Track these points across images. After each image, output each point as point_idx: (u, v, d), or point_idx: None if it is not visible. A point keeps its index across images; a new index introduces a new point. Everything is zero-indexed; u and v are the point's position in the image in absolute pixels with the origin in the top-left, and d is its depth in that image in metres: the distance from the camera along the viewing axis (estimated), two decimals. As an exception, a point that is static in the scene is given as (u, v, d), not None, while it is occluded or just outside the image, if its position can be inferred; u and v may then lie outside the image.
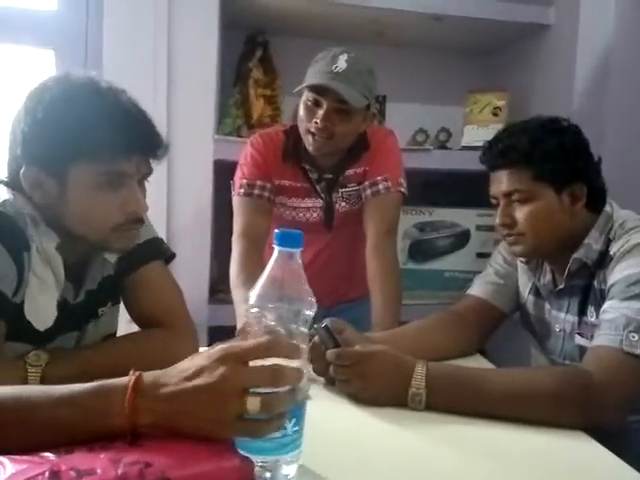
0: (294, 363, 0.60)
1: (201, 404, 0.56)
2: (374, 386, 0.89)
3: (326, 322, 0.95)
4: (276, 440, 0.62)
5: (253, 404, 0.56)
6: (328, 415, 0.68)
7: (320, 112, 1.27)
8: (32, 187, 0.83)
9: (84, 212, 0.84)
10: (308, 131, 1.31)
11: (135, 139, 0.83)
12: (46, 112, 0.80)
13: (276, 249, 0.64)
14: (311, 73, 1.29)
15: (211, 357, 0.58)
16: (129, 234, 0.89)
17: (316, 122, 1.28)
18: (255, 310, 0.64)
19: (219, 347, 0.60)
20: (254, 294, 0.64)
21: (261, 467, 0.62)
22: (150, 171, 0.90)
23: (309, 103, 1.29)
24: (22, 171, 0.82)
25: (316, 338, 0.94)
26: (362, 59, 1.29)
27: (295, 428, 0.64)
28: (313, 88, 1.27)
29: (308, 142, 1.33)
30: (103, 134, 0.80)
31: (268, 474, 0.63)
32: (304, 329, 0.65)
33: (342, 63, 1.25)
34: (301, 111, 1.32)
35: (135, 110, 0.85)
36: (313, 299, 0.65)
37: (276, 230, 0.65)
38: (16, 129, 0.82)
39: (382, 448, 0.77)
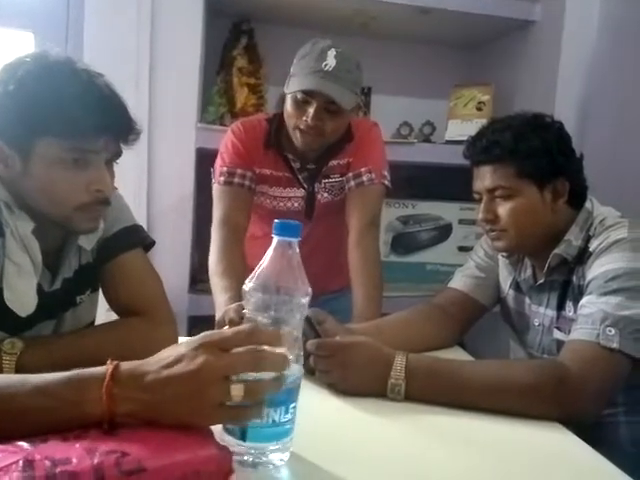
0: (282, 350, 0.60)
1: (181, 392, 0.56)
2: (354, 376, 0.89)
3: (307, 313, 0.95)
4: (268, 428, 0.62)
5: (237, 390, 0.56)
6: (308, 405, 0.68)
7: (310, 110, 1.25)
8: None
9: (47, 188, 0.82)
10: (297, 127, 1.30)
11: (105, 119, 0.81)
12: (17, 85, 0.78)
13: (275, 238, 0.65)
14: (299, 70, 1.27)
15: (191, 345, 0.58)
16: (93, 215, 0.87)
17: (306, 120, 1.26)
18: (250, 298, 0.64)
19: (199, 335, 0.60)
20: (250, 282, 0.64)
21: (253, 454, 0.63)
22: (119, 153, 0.88)
23: (298, 101, 1.27)
24: None
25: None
26: (350, 54, 1.28)
27: (286, 416, 0.64)
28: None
29: (296, 138, 1.32)
30: (72, 110, 0.78)
31: (261, 460, 0.63)
32: (299, 317, 0.65)
33: (331, 60, 1.23)
34: (289, 107, 1.30)
35: (108, 91, 0.84)
36: (309, 288, 0.65)
37: (275, 220, 0.65)
38: None
39: (361, 437, 0.77)
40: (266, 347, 0.59)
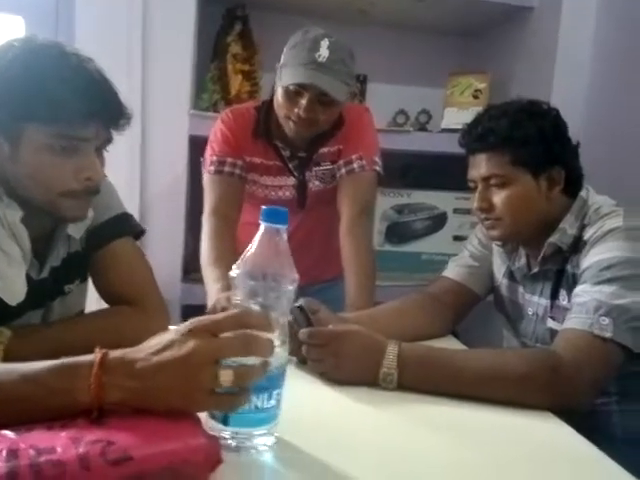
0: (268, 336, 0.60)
1: (171, 378, 0.55)
2: (346, 365, 0.88)
3: (300, 302, 0.94)
4: (251, 414, 0.62)
5: (226, 376, 0.56)
6: (299, 394, 0.67)
7: (303, 102, 1.23)
8: None
9: (34, 174, 0.81)
10: (288, 118, 1.28)
11: (94, 104, 0.80)
12: (4, 70, 0.77)
13: (262, 225, 0.65)
14: (291, 60, 1.24)
15: (180, 331, 0.58)
16: (81, 203, 0.86)
17: (298, 112, 1.25)
18: (236, 286, 0.65)
19: (189, 321, 0.59)
20: (238, 268, 0.64)
21: (238, 439, 0.63)
22: (109, 139, 0.87)
23: (290, 92, 1.25)
24: None
25: (289, 318, 0.93)
26: (343, 43, 1.25)
27: (270, 402, 0.64)
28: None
29: (289, 127, 1.30)
30: (61, 96, 0.77)
31: (245, 444, 0.64)
32: (286, 303, 0.65)
33: (324, 51, 1.21)
34: (280, 98, 1.28)
35: (98, 76, 0.82)
36: (296, 275, 0.65)
37: (263, 207, 0.65)
38: None
39: (352, 425, 0.77)
40: (255, 332, 0.59)
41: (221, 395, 0.57)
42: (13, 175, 0.82)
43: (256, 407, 0.63)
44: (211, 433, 0.59)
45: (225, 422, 0.63)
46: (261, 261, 0.64)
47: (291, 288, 0.65)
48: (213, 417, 0.63)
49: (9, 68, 0.77)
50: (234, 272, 0.65)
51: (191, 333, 0.57)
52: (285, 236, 0.65)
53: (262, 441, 0.65)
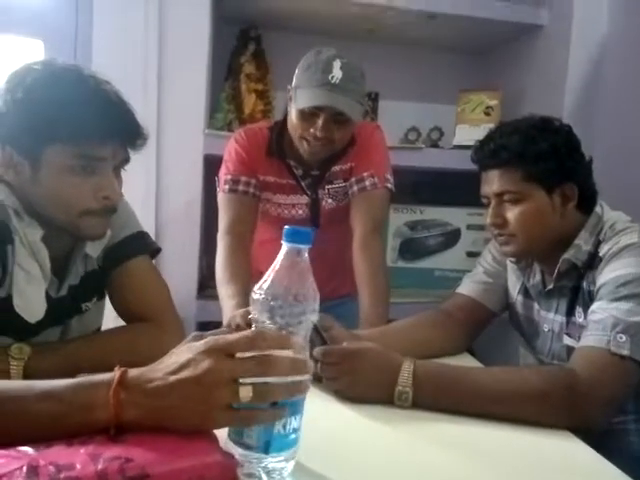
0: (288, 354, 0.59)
1: (188, 396, 0.56)
2: (361, 383, 0.88)
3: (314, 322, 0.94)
4: (289, 437, 0.61)
5: (245, 392, 0.56)
6: (313, 413, 0.67)
7: (319, 122, 1.25)
8: (6, 168, 0.82)
9: (54, 194, 0.83)
10: (304, 138, 1.30)
11: (112, 125, 0.82)
12: (26, 92, 0.79)
13: (284, 245, 0.63)
14: (305, 83, 1.26)
15: (196, 350, 0.58)
16: (100, 222, 0.87)
17: (314, 132, 1.26)
18: (257, 306, 0.63)
19: (205, 340, 0.59)
20: (260, 290, 0.62)
21: (257, 464, 0.61)
22: (127, 159, 0.89)
23: (305, 113, 1.26)
24: None
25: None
26: (355, 64, 1.27)
27: (293, 426, 0.62)
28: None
29: (303, 148, 1.32)
30: (79, 117, 0.79)
31: (263, 471, 0.62)
32: (308, 326, 0.64)
33: (337, 72, 1.23)
34: (295, 119, 1.30)
35: (115, 98, 0.84)
36: (317, 295, 0.64)
37: (286, 226, 0.64)
38: None
39: (370, 445, 0.77)
40: (274, 351, 0.58)
41: (237, 410, 0.57)
42: (34, 195, 0.83)
43: (294, 429, 0.61)
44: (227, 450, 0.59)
45: (266, 450, 0.60)
46: (284, 283, 0.62)
47: (314, 310, 0.63)
48: (249, 448, 0.61)
49: (30, 91, 0.79)
50: (255, 294, 0.63)
51: (207, 352, 0.57)
52: (307, 256, 0.64)
53: (285, 466, 0.63)
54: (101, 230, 0.89)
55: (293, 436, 0.62)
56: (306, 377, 0.60)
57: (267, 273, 0.63)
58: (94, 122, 0.80)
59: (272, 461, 0.61)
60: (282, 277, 0.62)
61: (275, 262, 0.63)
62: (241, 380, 0.56)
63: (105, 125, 0.81)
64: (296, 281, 0.62)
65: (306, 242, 0.63)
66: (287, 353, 0.60)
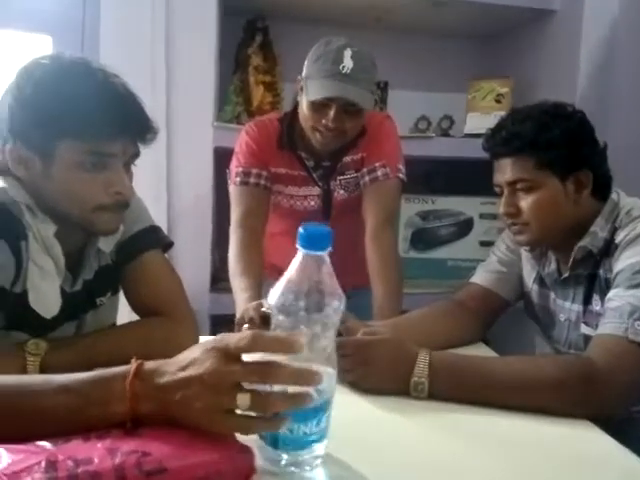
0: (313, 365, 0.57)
1: (191, 395, 0.55)
2: (376, 374, 0.88)
3: None
4: (300, 438, 0.60)
5: (242, 400, 0.55)
6: (338, 409, 0.66)
7: (331, 113, 1.24)
8: (16, 163, 0.82)
9: (67, 189, 0.83)
10: (316, 129, 1.29)
11: (122, 120, 0.82)
12: (35, 88, 0.79)
13: (300, 251, 0.58)
14: (316, 73, 1.25)
15: (204, 348, 0.58)
16: (112, 217, 0.87)
17: (326, 123, 1.26)
18: (277, 311, 0.60)
19: (213, 338, 0.59)
20: (278, 299, 0.59)
21: (287, 460, 0.61)
22: (137, 154, 0.88)
23: (317, 104, 1.26)
24: (8, 147, 0.82)
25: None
26: (365, 52, 1.26)
27: (318, 427, 0.61)
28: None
29: (315, 139, 1.31)
30: (89, 112, 0.79)
31: (293, 464, 0.62)
32: (332, 332, 0.62)
33: (348, 61, 1.22)
34: (306, 109, 1.29)
35: (125, 92, 0.84)
36: (342, 297, 0.61)
37: (300, 229, 0.58)
38: (4, 105, 0.81)
39: (385, 437, 0.76)
40: (280, 357, 0.56)
41: (239, 416, 0.56)
42: (46, 190, 0.84)
43: (304, 433, 0.60)
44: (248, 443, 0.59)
45: (275, 445, 0.60)
46: (303, 292, 0.58)
47: (337, 314, 0.60)
48: (262, 437, 0.61)
49: (39, 86, 0.79)
50: (272, 300, 0.60)
51: (212, 352, 0.56)
52: (328, 259, 0.59)
53: (310, 462, 0.63)
54: (114, 225, 0.89)
55: (307, 438, 0.60)
56: (311, 389, 0.57)
57: (286, 280, 0.59)
58: (103, 118, 0.80)
59: (289, 458, 0.61)
60: (301, 287, 0.58)
61: (291, 269, 0.59)
62: (244, 386, 0.56)
63: (114, 121, 0.81)
64: (317, 290, 0.59)
65: (325, 247, 0.58)
66: (295, 362, 0.57)
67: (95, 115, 0.79)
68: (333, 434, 0.65)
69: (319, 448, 0.63)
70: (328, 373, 0.61)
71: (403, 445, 0.74)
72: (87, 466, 0.50)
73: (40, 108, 0.79)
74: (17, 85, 0.80)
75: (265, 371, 0.56)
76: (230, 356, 0.56)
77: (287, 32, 2.00)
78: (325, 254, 0.59)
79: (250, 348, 0.56)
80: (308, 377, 0.56)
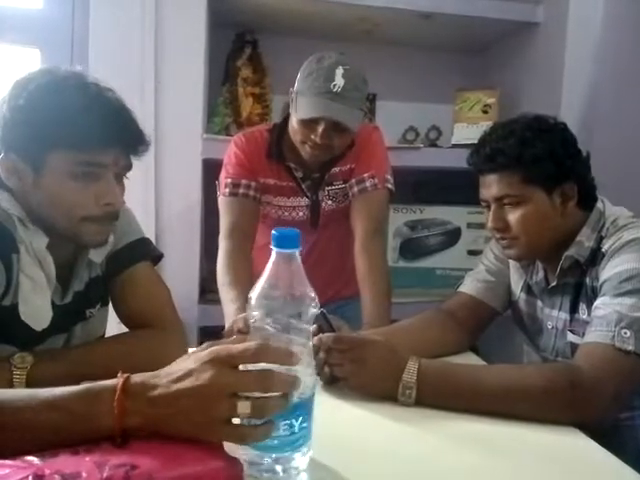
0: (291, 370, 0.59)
1: (188, 407, 0.55)
2: (367, 373, 0.88)
3: (321, 309, 0.94)
4: (285, 438, 0.61)
5: (244, 407, 0.55)
6: (327, 415, 0.66)
7: (319, 129, 1.25)
8: (9, 174, 0.83)
9: (56, 199, 0.83)
10: (305, 143, 1.30)
11: (114, 131, 0.82)
12: (28, 99, 0.79)
13: (274, 250, 0.63)
14: (306, 90, 1.25)
15: (200, 360, 0.57)
16: (100, 229, 0.87)
17: (314, 139, 1.27)
18: (255, 313, 0.63)
19: (209, 350, 0.59)
20: (254, 297, 0.63)
21: (273, 462, 0.62)
22: (129, 166, 0.89)
23: (305, 120, 1.27)
24: (1, 158, 0.82)
25: (313, 328, 0.93)
26: (356, 70, 1.27)
27: (303, 425, 0.62)
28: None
29: (305, 152, 1.32)
30: (81, 123, 0.79)
31: (279, 467, 0.62)
32: (307, 327, 0.64)
33: (339, 80, 1.22)
34: (295, 124, 1.30)
35: (117, 104, 0.85)
36: (315, 295, 0.64)
37: (273, 231, 0.63)
38: None
39: (377, 441, 0.77)
40: (276, 366, 0.58)
41: (238, 426, 0.57)
42: (35, 201, 0.84)
43: (292, 432, 0.61)
44: (235, 455, 0.59)
45: (262, 447, 0.61)
46: (278, 288, 0.62)
47: (312, 310, 0.63)
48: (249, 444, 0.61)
49: (32, 98, 0.80)
50: (252, 300, 0.63)
51: (210, 363, 0.57)
52: (299, 258, 0.64)
53: (299, 463, 0.64)
54: (103, 237, 0.89)
55: (293, 437, 0.62)
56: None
57: (263, 279, 0.63)
58: (96, 129, 0.80)
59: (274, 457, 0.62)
60: (276, 283, 0.62)
61: (267, 268, 0.63)
62: (240, 394, 0.56)
63: (107, 132, 0.81)
64: (290, 286, 0.62)
65: (294, 246, 0.63)
66: (288, 368, 0.59)
67: (87, 125, 0.80)
68: (318, 439, 0.65)
69: (303, 450, 0.63)
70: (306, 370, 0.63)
71: (389, 451, 0.74)
72: (75, 480, 0.49)
73: (33, 119, 0.79)
74: (11, 97, 0.81)
75: (266, 380, 0.56)
76: (229, 366, 0.57)
77: (276, 44, 2.01)
78: (296, 252, 0.63)
79: (256, 359, 0.57)
80: (296, 381, 0.58)
